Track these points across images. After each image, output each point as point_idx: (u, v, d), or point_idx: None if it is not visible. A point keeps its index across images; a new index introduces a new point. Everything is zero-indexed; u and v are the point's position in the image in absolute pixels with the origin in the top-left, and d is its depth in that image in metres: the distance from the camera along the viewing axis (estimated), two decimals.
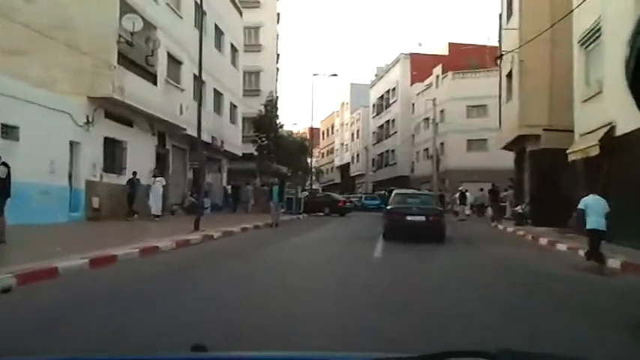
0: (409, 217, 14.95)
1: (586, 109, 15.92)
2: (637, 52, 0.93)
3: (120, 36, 17.60)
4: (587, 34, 15.36)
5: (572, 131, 18.25)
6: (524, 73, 20.04)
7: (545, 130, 19.66)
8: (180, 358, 1.82)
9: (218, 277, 8.65)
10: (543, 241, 15.45)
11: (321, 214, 31.46)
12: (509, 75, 22.75)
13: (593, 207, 9.92)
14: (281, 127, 30.98)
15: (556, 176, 19.60)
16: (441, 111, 46.35)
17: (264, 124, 30.24)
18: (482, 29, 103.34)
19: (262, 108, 30.84)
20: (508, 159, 44.53)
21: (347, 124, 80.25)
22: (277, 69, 43.28)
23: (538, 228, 19.10)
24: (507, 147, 24.69)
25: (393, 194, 17.70)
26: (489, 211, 29.38)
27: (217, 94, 27.95)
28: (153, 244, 11.29)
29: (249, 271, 9.42)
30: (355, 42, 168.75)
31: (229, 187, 31.95)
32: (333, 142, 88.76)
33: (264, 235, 16.83)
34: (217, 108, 28.09)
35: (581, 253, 10.82)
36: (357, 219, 31.17)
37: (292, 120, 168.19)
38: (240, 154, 32.02)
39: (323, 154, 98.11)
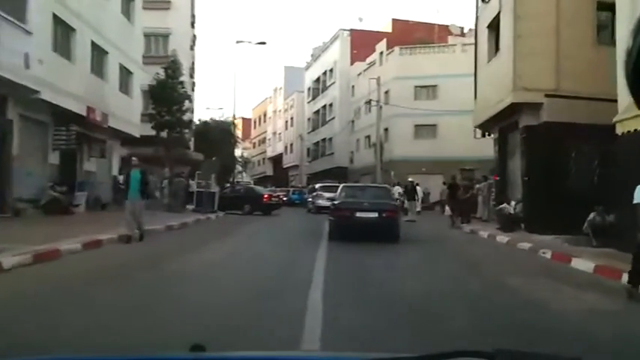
0: (359, 214, 13.00)
1: None
2: None
3: None
4: None
5: (589, 99, 12.62)
6: (519, 14, 14.15)
7: (549, 96, 13.91)
8: (180, 358, 1.84)
9: None
10: (581, 264, 9.50)
11: (240, 212, 24.94)
12: (493, 25, 16.91)
13: None
14: (187, 98, 23.87)
15: (562, 162, 13.91)
16: (386, 92, 40.53)
17: (165, 95, 23.15)
18: (429, 3, 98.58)
19: (162, 72, 23.70)
20: (462, 147, 39.55)
21: (280, 111, 73.70)
22: (194, 36, 36.15)
23: (537, 236, 13.40)
24: (486, 126, 18.88)
25: (340, 188, 15.66)
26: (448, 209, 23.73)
27: (97, 50, 20.70)
28: None
29: None
30: (289, 21, 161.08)
31: (121, 177, 24.69)
32: (266, 132, 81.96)
33: (82, 272, 8.10)
34: (97, 69, 20.84)
35: None
36: (287, 218, 24.84)
37: (217, 105, 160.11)
38: (139, 136, 24.87)
39: (255, 144, 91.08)
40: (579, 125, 13.47)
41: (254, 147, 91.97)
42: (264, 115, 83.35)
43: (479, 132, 41.15)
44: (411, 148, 38.78)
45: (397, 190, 32.80)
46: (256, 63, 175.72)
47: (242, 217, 23.75)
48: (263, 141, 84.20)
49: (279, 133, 73.96)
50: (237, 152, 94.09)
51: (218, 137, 43.35)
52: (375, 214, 12.96)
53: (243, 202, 25.30)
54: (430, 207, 34.34)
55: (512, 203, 15.58)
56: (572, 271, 9.17)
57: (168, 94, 22.78)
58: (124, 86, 23.59)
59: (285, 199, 40.61)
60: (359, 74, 46.97)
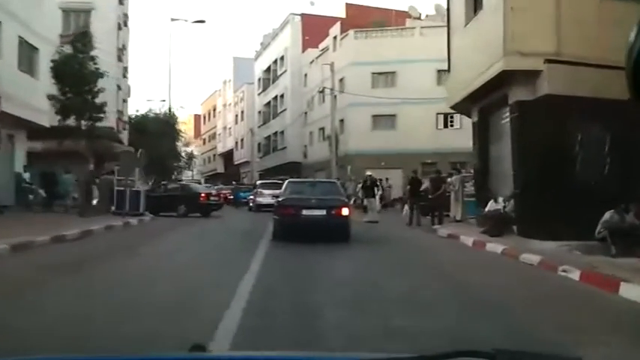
0: (305, 212, 11.92)
1: None
2: None
3: None
4: None
5: (598, 66, 9.69)
6: None
7: (550, 61, 10.82)
8: (180, 358, 1.83)
9: None
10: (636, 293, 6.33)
11: (174, 214, 21.25)
12: None
13: None
14: (100, 76, 19.84)
15: (565, 148, 10.91)
16: (340, 80, 37.33)
17: (70, 71, 19.09)
18: None
19: (69, 47, 19.62)
20: (424, 138, 36.65)
21: (230, 105, 69.61)
22: (125, 15, 31.95)
23: (536, 242, 10.32)
24: (461, 106, 15.73)
25: (286, 183, 14.33)
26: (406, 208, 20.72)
27: None
28: None
29: None
30: (238, 8, 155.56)
31: (27, 174, 20.63)
32: (215, 127, 77.69)
33: None
34: None
35: None
36: (227, 220, 21.32)
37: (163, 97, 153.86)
38: (48, 125, 20.83)
39: (205, 140, 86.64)
40: (586, 100, 10.49)
41: (204, 143, 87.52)
42: (214, 110, 79.03)
43: (441, 122, 38.57)
44: (369, 140, 35.68)
45: (356, 186, 29.92)
46: (205, 55, 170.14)
47: (174, 221, 20.03)
48: (213, 137, 79.91)
49: (230, 128, 69.90)
50: (189, 149, 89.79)
51: (158, 131, 39.24)
52: (322, 212, 11.92)
53: (177, 203, 21.58)
54: (391, 204, 31.33)
55: (500, 200, 12.49)
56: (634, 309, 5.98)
57: (75, 71, 18.75)
58: (26, 64, 19.49)
59: (231, 197, 37.34)
60: (311, 62, 43.57)
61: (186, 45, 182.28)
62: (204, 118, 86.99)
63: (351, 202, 30.27)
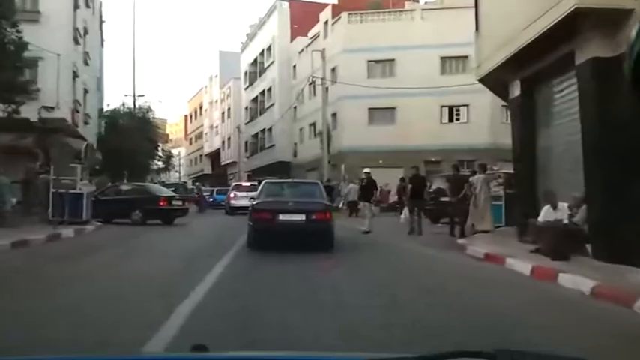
0: (283, 217, 10.62)
1: None
2: None
3: None
4: None
5: None
6: None
7: None
8: (180, 358, 1.87)
9: None
10: None
11: (129, 221, 17.45)
12: None
13: None
14: (24, 48, 15.70)
15: None
16: (333, 69, 33.52)
17: None
18: None
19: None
20: (426, 134, 31.67)
21: (217, 102, 65.65)
22: None
23: (632, 270, 6.49)
24: (496, 77, 11.70)
25: (261, 185, 12.77)
26: (405, 212, 16.88)
27: None
28: None
29: None
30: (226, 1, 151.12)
31: None
32: (202, 125, 73.68)
33: None
34: None
35: None
36: (194, 229, 17.48)
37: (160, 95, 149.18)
38: None
39: (191, 139, 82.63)
40: None
41: (190, 143, 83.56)
42: (200, 108, 75.04)
43: (446, 115, 34.73)
44: (365, 136, 31.86)
45: (353, 188, 26.13)
46: (192, 51, 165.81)
47: (126, 230, 16.19)
48: (200, 136, 75.88)
49: (216, 127, 65.94)
50: (176, 150, 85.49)
51: (129, 126, 35.32)
52: (301, 217, 10.83)
53: (132, 208, 17.71)
54: (392, 207, 27.51)
55: (562, 207, 8.62)
56: None
57: None
58: None
59: (211, 200, 33.94)
60: (301, 51, 39.73)
61: (174, 40, 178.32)
62: (191, 116, 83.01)
63: (342, 205, 26.80)
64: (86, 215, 15.85)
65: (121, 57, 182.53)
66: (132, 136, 34.16)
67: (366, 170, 16.29)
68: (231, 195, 27.38)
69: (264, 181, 13.58)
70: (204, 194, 33.91)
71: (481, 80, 12.72)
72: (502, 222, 15.25)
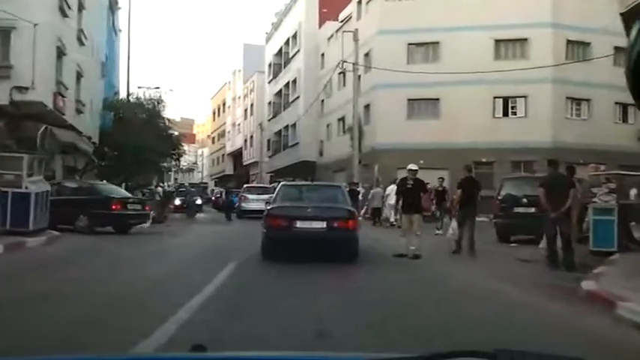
0: (300, 224, 9.71)
1: None
2: None
3: None
4: None
5: None
6: None
7: None
8: (180, 358, 1.88)
9: None
10: None
11: (71, 227, 13.55)
12: None
13: None
14: None
15: None
16: (366, 54, 29.11)
17: None
18: None
19: None
20: (477, 129, 26.02)
21: (239, 98, 61.83)
22: None
23: None
24: None
25: (278, 187, 11.94)
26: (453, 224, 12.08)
27: None
28: None
29: None
30: None
31: None
32: (225, 123, 69.98)
33: None
34: None
35: None
36: (168, 245, 13.27)
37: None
38: None
39: (214, 138, 78.99)
40: None
41: (213, 142, 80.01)
42: (224, 105, 71.38)
43: (500, 108, 29.81)
44: (403, 132, 27.33)
45: (377, 192, 22.24)
46: (218, 46, 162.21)
47: (90, 243, 11.98)
48: (222, 135, 72.21)
49: (239, 124, 62.14)
50: (201, 150, 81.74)
51: (135, 119, 31.42)
52: (322, 224, 9.67)
53: (76, 212, 13.87)
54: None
55: None
56: None
57: None
58: None
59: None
60: (330, 37, 35.35)
61: (201, 35, 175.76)
62: (214, 114, 79.39)
63: (366, 212, 22.45)
64: (33, 223, 11.66)
65: (153, 54, 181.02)
66: (139, 130, 30.24)
67: (412, 166, 11.50)
68: (242, 197, 26.59)
69: (280, 183, 12.43)
70: (194, 198, 30.08)
71: (628, 11, 8.03)
72: (613, 245, 10.56)
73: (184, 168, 47.97)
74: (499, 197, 14.04)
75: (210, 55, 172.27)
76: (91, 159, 27.36)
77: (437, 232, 15.74)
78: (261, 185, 28.78)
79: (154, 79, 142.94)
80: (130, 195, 17.41)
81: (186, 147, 69.78)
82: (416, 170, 11.16)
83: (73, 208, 13.67)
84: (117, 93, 36.66)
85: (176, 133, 39.40)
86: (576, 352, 4.54)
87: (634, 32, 0.90)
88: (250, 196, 25.77)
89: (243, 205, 26.06)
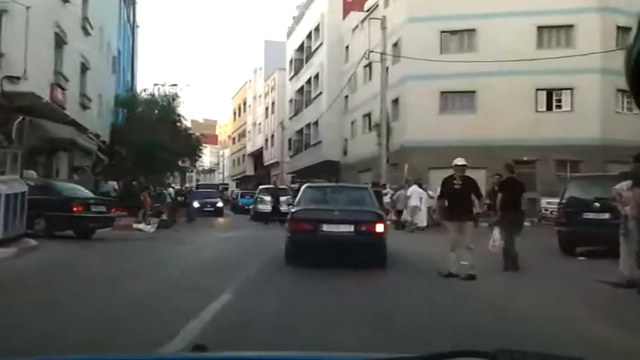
0: (327, 228, 9.34)
1: None
2: None
3: None
4: None
5: None
6: None
7: None
8: (180, 358, 1.96)
9: None
10: None
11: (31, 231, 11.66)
12: None
13: None
14: None
15: None
16: (395, 44, 26.83)
17: None
18: None
19: None
20: (517, 125, 23.18)
21: (260, 97, 59.98)
22: None
23: None
24: None
25: (302, 189, 11.44)
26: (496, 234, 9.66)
27: None
28: None
29: None
30: None
31: None
32: (245, 123, 68.23)
33: None
34: None
35: None
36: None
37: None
38: None
39: (234, 139, 77.23)
40: None
41: (233, 142, 78.23)
42: (244, 104, 69.61)
43: (543, 101, 27.18)
44: (436, 128, 24.99)
45: (402, 194, 20.34)
46: (240, 44, 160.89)
47: (65, 257, 9.97)
48: (243, 134, 70.43)
49: (259, 124, 60.32)
50: (222, 151, 79.95)
51: (148, 116, 29.66)
52: (349, 228, 9.30)
53: (33, 214, 11.87)
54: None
55: None
56: None
57: None
58: None
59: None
60: (354, 28, 33.14)
61: (222, 34, 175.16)
62: (235, 114, 77.65)
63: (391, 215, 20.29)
64: (3, 231, 9.67)
65: (176, 55, 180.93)
66: (152, 127, 28.42)
67: (460, 161, 9.07)
68: (258, 199, 25.73)
69: (304, 185, 12.04)
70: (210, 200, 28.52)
71: None
72: None
73: (200, 169, 46.24)
74: (563, 201, 11.67)
75: (232, 54, 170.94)
76: (99, 157, 25.62)
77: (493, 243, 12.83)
78: (279, 187, 27.20)
79: (176, 79, 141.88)
80: (92, 195, 15.53)
81: (208, 148, 68.09)
82: (464, 166, 8.86)
83: (29, 210, 11.74)
84: (129, 90, 34.93)
85: (197, 134, 37.79)
86: None
87: (634, 31, 0.89)
88: (267, 198, 24.75)
89: (259, 207, 25.18)
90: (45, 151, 18.79)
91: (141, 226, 16.71)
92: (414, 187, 20.16)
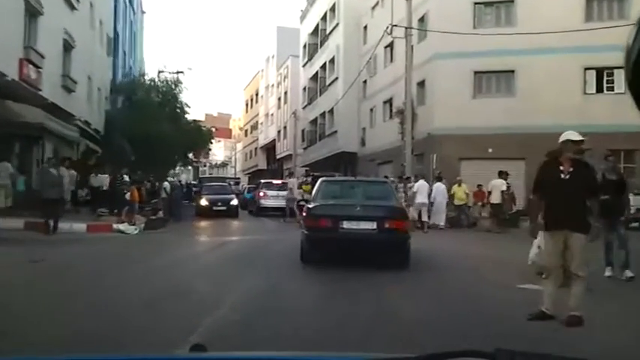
0: (347, 225, 8.86)
1: None
2: None
3: None
4: None
5: None
6: None
7: None
8: (180, 358, 1.88)
9: None
10: None
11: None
12: None
13: None
14: None
15: None
16: (421, 19, 23.78)
17: None
18: None
19: None
20: (563, 110, 19.16)
21: (272, 86, 57.20)
22: None
23: None
24: None
25: (318, 184, 10.77)
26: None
27: None
28: None
29: None
30: None
31: None
32: (257, 114, 65.52)
33: None
34: None
35: None
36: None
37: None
38: None
39: (246, 131, 74.59)
40: None
41: (245, 135, 75.59)
42: (257, 95, 66.91)
43: (592, 82, 23.43)
44: (468, 113, 22.05)
45: (422, 185, 17.84)
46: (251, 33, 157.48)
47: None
48: (255, 127, 67.76)
49: (272, 115, 57.58)
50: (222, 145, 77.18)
51: (146, 101, 27.02)
52: (372, 225, 8.82)
53: None
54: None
55: None
56: None
57: None
58: None
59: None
60: (374, 6, 30.10)
61: (235, 23, 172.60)
62: (247, 105, 74.97)
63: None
64: None
65: (188, 47, 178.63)
66: (152, 115, 25.79)
67: (573, 135, 5.45)
68: (261, 193, 24.85)
69: (320, 180, 11.26)
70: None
71: None
72: None
73: (212, 163, 43.75)
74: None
75: (247, 43, 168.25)
76: (90, 148, 23.02)
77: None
78: (282, 181, 26.32)
79: (188, 70, 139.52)
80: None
81: (222, 142, 65.15)
82: (581, 141, 5.71)
83: None
84: (127, 74, 32.30)
85: (208, 127, 35.64)
86: None
87: (634, 31, 0.88)
88: (270, 192, 24.31)
89: (262, 202, 24.56)
90: (15, 139, 16.17)
91: (122, 226, 13.97)
92: (421, 182, 17.86)
